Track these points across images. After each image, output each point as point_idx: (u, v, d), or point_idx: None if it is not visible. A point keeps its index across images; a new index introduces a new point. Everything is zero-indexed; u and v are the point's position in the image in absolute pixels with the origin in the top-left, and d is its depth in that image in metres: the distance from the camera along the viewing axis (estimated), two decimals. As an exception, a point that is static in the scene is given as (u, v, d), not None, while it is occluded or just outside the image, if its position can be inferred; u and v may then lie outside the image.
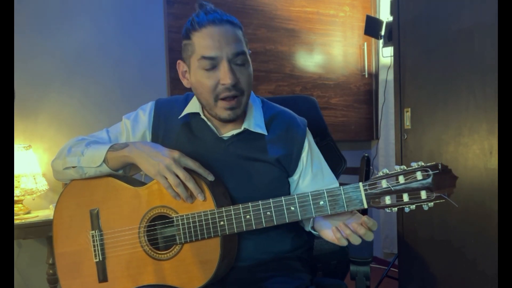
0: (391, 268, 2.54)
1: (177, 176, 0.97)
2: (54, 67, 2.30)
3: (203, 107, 1.10)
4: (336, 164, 1.34)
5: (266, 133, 1.10)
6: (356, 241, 0.89)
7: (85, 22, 2.38)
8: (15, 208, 2.02)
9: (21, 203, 2.07)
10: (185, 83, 1.10)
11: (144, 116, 1.17)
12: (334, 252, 1.14)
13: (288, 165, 1.11)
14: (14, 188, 1.97)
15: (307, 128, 1.16)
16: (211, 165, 1.05)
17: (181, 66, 1.09)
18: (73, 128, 2.33)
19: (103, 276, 1.08)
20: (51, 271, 2.09)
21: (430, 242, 1.99)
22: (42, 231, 1.97)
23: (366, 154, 1.74)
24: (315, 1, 3.00)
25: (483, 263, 1.74)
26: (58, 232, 1.15)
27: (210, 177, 1.00)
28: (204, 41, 1.01)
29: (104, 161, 1.04)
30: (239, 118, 1.07)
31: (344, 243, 0.91)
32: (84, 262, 1.09)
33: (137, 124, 1.16)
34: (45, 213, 2.12)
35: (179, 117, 1.12)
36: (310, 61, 3.00)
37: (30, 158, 2.07)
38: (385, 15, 2.95)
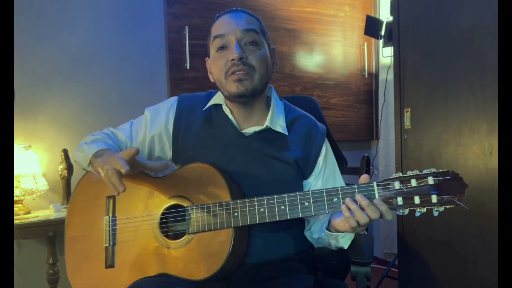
0: (391, 268, 2.54)
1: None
2: (54, 67, 2.30)
3: (221, 91, 1.12)
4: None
5: (287, 133, 1.12)
6: (363, 218, 0.89)
7: (85, 22, 2.38)
8: (15, 208, 2.02)
9: (21, 203, 2.07)
10: (210, 78, 1.15)
11: (164, 109, 1.19)
12: (334, 252, 1.13)
13: (305, 167, 1.13)
14: (14, 188, 1.97)
15: (325, 135, 1.19)
16: (230, 160, 1.09)
17: (208, 63, 1.15)
18: (73, 128, 2.33)
19: (110, 262, 1.08)
20: (51, 271, 2.09)
21: (430, 242, 1.99)
22: (42, 231, 1.97)
23: (366, 154, 1.75)
24: (315, 1, 3.00)
25: (483, 263, 1.74)
26: (71, 217, 1.16)
27: (121, 188, 0.94)
28: (217, 25, 1.09)
29: (89, 164, 1.09)
30: (250, 95, 1.07)
31: (352, 223, 0.90)
32: (93, 247, 1.11)
33: (156, 117, 1.19)
34: (45, 213, 2.12)
35: (203, 109, 1.16)
36: (310, 61, 3.00)
37: (30, 158, 2.07)
38: (385, 15, 2.95)
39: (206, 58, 1.16)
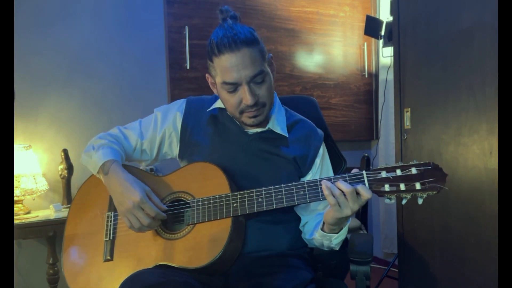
0: (391, 268, 2.54)
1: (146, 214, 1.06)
2: (54, 67, 2.30)
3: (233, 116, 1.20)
4: (336, 164, 1.34)
5: (287, 135, 1.20)
6: (335, 189, 0.96)
7: (85, 22, 2.38)
8: (15, 208, 2.02)
9: (21, 203, 2.07)
10: (214, 91, 1.20)
11: (174, 108, 1.26)
12: (334, 252, 1.15)
13: (303, 165, 1.20)
14: (14, 188, 1.97)
15: (323, 140, 1.26)
16: (233, 156, 1.16)
17: (209, 79, 1.19)
18: (73, 128, 2.33)
19: (109, 255, 1.11)
20: (51, 271, 2.09)
21: (430, 242, 1.99)
22: (42, 231, 1.97)
23: (366, 154, 1.75)
24: (315, 1, 3.00)
25: (483, 263, 1.74)
26: (72, 216, 1.20)
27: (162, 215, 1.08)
28: (224, 68, 1.08)
29: (98, 172, 1.15)
30: (263, 123, 1.17)
31: (331, 200, 0.97)
32: (92, 243, 1.14)
33: (166, 115, 1.26)
34: (45, 213, 2.12)
35: (208, 110, 1.23)
36: (310, 61, 3.00)
37: (30, 158, 2.07)
38: (385, 15, 2.94)
39: (207, 75, 1.19)
